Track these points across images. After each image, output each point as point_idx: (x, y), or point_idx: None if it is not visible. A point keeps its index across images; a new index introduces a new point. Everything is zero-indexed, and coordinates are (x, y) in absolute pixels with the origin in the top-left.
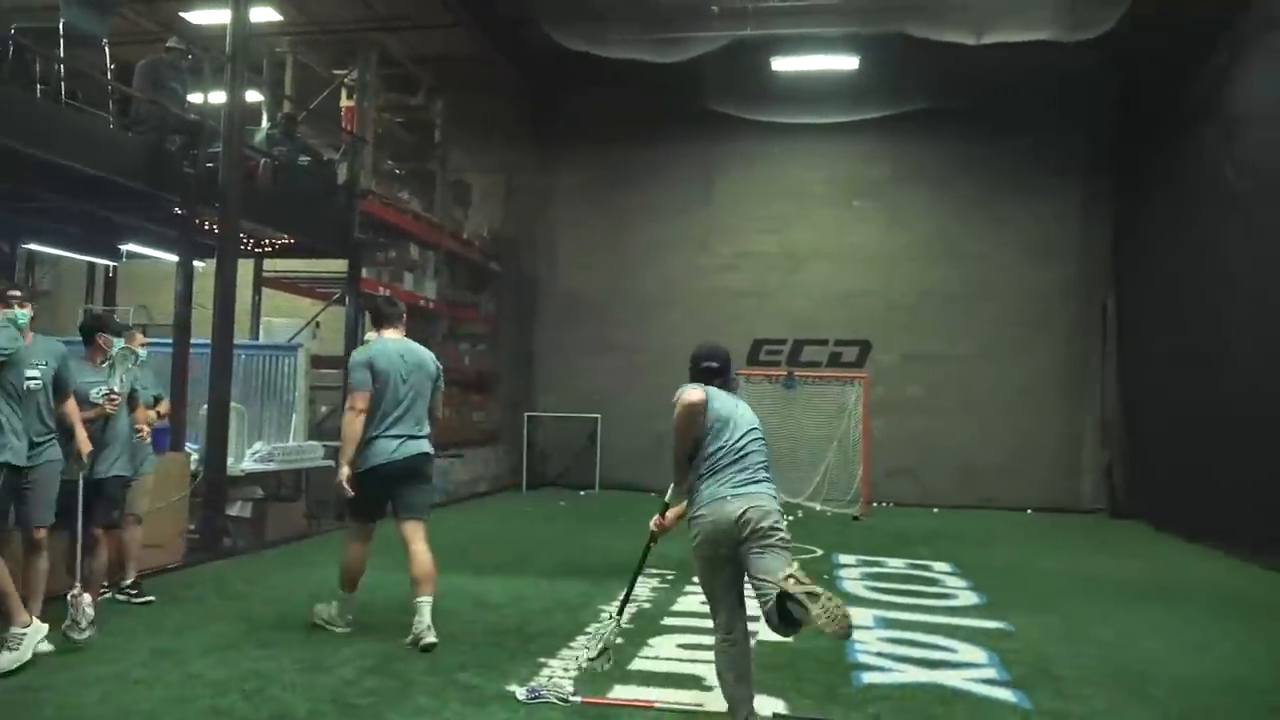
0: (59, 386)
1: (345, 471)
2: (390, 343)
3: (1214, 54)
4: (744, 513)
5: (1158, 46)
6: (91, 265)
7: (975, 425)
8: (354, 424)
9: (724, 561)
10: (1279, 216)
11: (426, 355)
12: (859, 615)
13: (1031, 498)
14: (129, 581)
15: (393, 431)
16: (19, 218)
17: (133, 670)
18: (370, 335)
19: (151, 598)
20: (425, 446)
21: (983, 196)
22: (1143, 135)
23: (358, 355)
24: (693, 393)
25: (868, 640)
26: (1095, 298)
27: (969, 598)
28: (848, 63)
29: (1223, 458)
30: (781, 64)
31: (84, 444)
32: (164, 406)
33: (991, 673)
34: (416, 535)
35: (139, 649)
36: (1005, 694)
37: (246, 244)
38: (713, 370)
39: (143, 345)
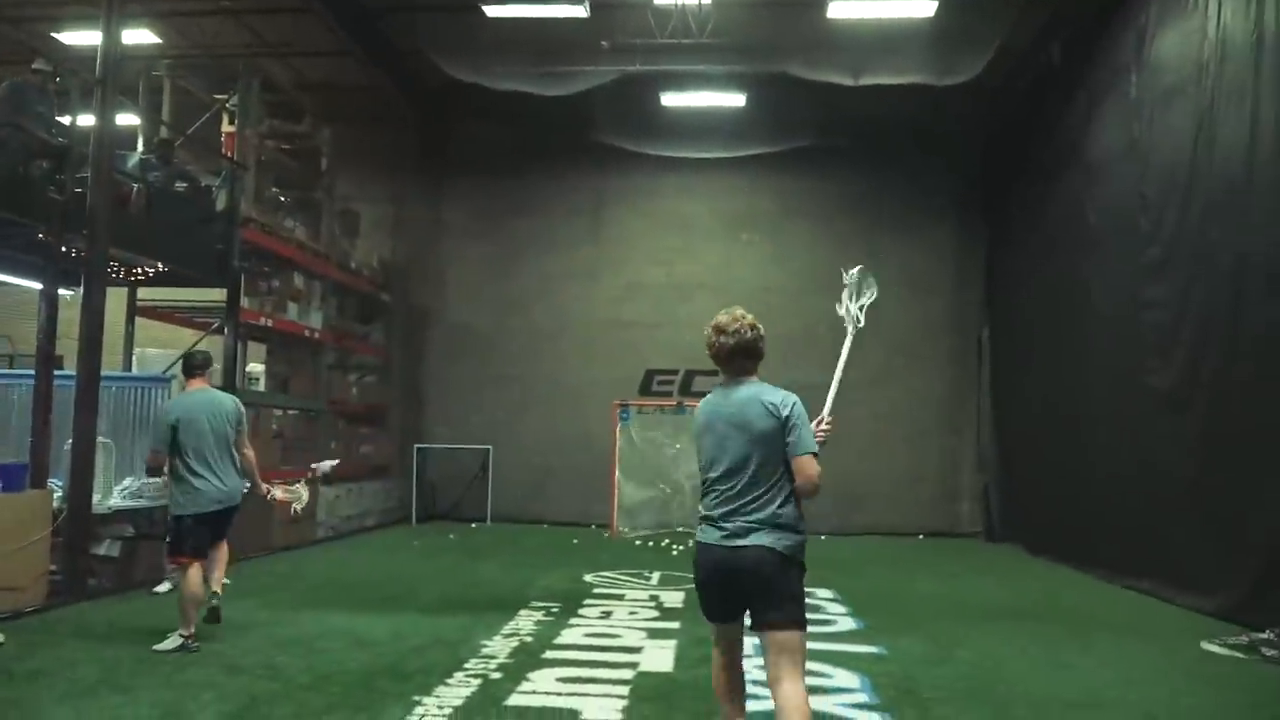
0: None
1: None
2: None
3: (1073, 101)
4: None
5: (1022, 93)
6: None
7: (859, 453)
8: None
9: None
10: (1133, 257)
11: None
12: None
13: (914, 523)
14: None
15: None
16: None
17: None
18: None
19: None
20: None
21: (862, 232)
22: (1011, 177)
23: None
24: None
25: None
26: (971, 330)
27: (847, 623)
28: (735, 100)
29: (1084, 485)
30: (671, 99)
31: None
32: None
33: (863, 697)
34: None
35: None
36: (873, 718)
37: (117, 272)
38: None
39: None
